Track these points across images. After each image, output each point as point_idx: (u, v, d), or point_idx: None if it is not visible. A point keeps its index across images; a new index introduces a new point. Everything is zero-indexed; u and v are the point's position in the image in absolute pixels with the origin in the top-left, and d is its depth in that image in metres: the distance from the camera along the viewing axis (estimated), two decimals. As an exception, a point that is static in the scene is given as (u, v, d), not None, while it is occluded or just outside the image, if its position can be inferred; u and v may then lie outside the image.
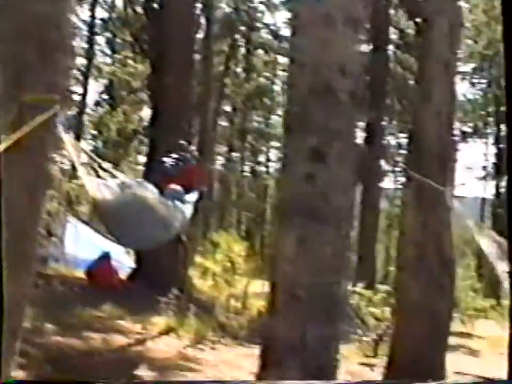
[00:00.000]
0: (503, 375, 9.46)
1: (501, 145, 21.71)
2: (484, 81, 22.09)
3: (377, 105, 15.78)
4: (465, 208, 21.91)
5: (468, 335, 12.59)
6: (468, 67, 21.90)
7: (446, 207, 7.44)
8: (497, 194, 21.84)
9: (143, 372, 6.72)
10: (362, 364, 8.67)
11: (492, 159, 22.29)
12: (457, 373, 9.13)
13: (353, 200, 4.16)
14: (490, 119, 22.27)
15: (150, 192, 5.60)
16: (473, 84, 22.40)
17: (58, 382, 4.84)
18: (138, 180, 5.93)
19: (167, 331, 8.31)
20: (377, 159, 15.69)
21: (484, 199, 22.58)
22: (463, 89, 23.11)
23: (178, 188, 6.65)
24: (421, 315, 7.88)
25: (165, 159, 7.69)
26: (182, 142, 8.41)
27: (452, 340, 11.81)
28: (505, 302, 14.14)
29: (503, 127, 21.88)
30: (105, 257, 9.57)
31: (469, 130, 22.64)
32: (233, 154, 27.26)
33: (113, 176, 5.41)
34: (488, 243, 7.01)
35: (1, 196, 4.28)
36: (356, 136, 4.33)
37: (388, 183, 19.42)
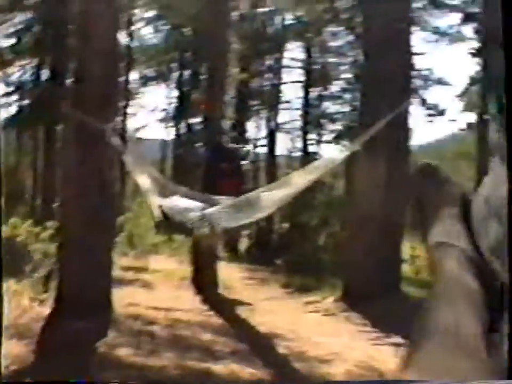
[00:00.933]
0: (177, 305, 10.12)
1: (184, 89, 22.48)
2: (167, 27, 22.60)
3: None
4: (148, 150, 22.50)
5: (144, 269, 13.10)
6: (150, 13, 22.30)
7: (107, 145, 7.64)
8: (178, 136, 22.70)
9: None
10: (32, 299, 8.72)
11: (174, 103, 22.96)
12: (131, 304, 9.55)
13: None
14: (174, 64, 22.94)
15: None
16: (157, 30, 22.85)
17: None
18: None
19: None
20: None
21: (165, 141, 23.31)
22: (148, 34, 23.44)
23: None
24: (83, 249, 8.13)
25: None
26: None
27: (129, 274, 12.35)
28: (177, 237, 14.98)
29: (185, 72, 22.68)
30: None
31: (152, 74, 23.13)
32: None
33: None
34: (146, 179, 7.29)
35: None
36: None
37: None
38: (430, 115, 21.04)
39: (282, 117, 22.67)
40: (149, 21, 22.43)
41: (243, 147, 15.94)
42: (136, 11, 21.84)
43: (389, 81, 11.03)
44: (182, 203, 6.89)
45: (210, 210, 6.64)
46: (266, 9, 22.54)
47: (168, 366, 7.04)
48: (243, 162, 10.89)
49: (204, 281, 11.30)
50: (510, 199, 1.25)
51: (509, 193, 1.24)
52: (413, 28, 14.63)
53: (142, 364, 7.01)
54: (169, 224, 7.17)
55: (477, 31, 18.93)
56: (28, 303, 8.61)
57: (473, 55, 19.34)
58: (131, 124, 22.44)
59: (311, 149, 22.10)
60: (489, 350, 1.24)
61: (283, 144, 22.57)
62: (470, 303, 1.36)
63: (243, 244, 19.12)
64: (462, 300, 1.37)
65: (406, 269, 13.17)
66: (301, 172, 7.14)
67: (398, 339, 8.31)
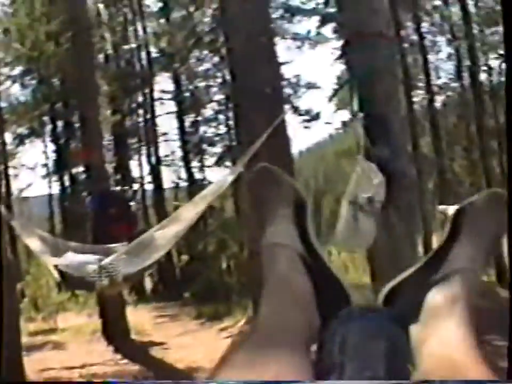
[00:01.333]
0: (91, 360, 9.93)
1: (60, 142, 22.14)
2: (34, 82, 22.24)
3: None
4: (35, 207, 21.96)
5: (52, 330, 12.82)
6: (17, 70, 22.00)
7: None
8: (62, 189, 22.28)
9: None
10: None
11: (52, 156, 22.56)
12: (43, 369, 9.33)
13: None
14: (45, 117, 22.56)
15: None
16: (24, 86, 22.44)
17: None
18: None
19: None
20: None
21: (50, 195, 22.80)
22: (15, 92, 22.95)
23: None
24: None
25: None
26: None
27: (38, 339, 12.06)
28: (81, 292, 14.73)
29: (58, 123, 22.33)
30: None
31: (26, 131, 22.66)
32: None
33: None
34: (36, 241, 7.17)
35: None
36: None
37: None
38: (305, 121, 21.53)
39: (162, 150, 22.59)
40: (15, 78, 22.02)
41: (129, 188, 15.89)
42: (3, 70, 21.49)
43: (259, 95, 11.20)
44: (77, 259, 6.79)
45: (106, 260, 6.58)
46: (130, 46, 22.60)
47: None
48: (131, 203, 10.87)
49: (114, 331, 11.15)
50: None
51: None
52: (276, 38, 14.97)
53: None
54: (69, 282, 7.05)
55: (335, 31, 19.53)
56: None
57: (336, 55, 19.94)
58: (14, 185, 21.94)
59: (196, 176, 22.15)
60: (318, 349, 1.25)
61: (168, 177, 22.48)
62: (298, 303, 1.35)
63: (148, 284, 18.95)
64: (290, 300, 1.35)
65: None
66: (189, 205, 7.14)
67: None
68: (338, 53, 19.48)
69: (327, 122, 23.95)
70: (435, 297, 1.36)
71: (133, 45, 22.69)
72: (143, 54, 22.74)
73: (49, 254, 7.00)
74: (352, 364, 1.18)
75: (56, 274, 6.83)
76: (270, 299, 1.38)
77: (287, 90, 20.88)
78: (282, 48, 21.88)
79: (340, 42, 18.37)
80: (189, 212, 6.82)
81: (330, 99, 21.74)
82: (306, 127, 21.92)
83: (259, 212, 1.60)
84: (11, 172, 21.79)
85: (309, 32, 21.78)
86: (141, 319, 12.81)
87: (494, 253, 1.50)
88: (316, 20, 21.11)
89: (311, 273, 1.43)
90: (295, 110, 21.51)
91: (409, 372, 1.20)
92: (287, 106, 19.54)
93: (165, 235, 6.70)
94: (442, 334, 1.27)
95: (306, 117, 21.67)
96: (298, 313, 1.32)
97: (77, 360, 9.94)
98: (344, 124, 21.94)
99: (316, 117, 21.67)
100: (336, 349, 1.22)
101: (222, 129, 22.55)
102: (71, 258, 6.84)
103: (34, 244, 7.12)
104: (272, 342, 1.22)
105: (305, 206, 1.59)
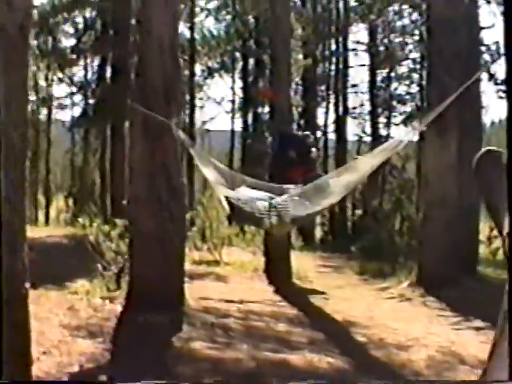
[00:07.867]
0: (250, 297, 9.97)
1: (248, 79, 22.29)
2: (228, 17, 22.46)
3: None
4: (216, 141, 22.44)
5: (216, 263, 13.03)
6: (212, 4, 22.39)
7: (173, 139, 7.57)
8: (245, 126, 22.48)
9: None
10: (103, 297, 8.65)
11: (239, 93, 22.79)
12: (203, 298, 9.47)
13: None
14: (237, 54, 22.77)
15: None
16: (218, 20, 22.72)
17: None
18: None
19: None
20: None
21: (233, 132, 23.09)
22: (209, 25, 23.35)
23: None
24: (154, 245, 8.09)
25: None
26: None
27: (201, 268, 12.26)
28: (249, 229, 14.87)
29: (249, 61, 22.48)
30: None
31: (216, 65, 22.97)
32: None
33: None
34: (212, 171, 7.18)
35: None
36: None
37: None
38: (500, 91, 20.39)
39: (350, 102, 22.22)
40: (210, 12, 22.38)
41: (311, 134, 15.73)
42: (199, 2, 21.91)
43: (455, 58, 10.68)
44: (249, 193, 6.74)
45: (278, 199, 6.46)
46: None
47: (244, 359, 6.85)
48: (311, 149, 10.70)
49: (276, 272, 11.15)
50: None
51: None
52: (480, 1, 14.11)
53: (217, 357, 6.88)
54: (237, 215, 6.99)
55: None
56: (100, 301, 8.54)
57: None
58: (199, 116, 22.45)
59: (381, 132, 21.72)
60: None
61: (352, 129, 22.22)
62: None
63: (318, 233, 18.93)
64: None
65: (483, 250, 12.82)
66: (368, 156, 6.97)
67: (478, 323, 8.07)
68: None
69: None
70: None
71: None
72: (341, 2, 22.32)
73: (224, 185, 6.98)
74: None
75: (226, 206, 6.77)
76: None
77: (485, 56, 19.80)
78: (485, 12, 20.79)
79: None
80: (365, 164, 6.59)
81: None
82: (501, 97, 20.76)
83: (490, 200, 1.55)
84: (197, 103, 22.28)
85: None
86: (304, 265, 12.73)
87: None
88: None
89: None
90: (491, 77, 20.38)
91: None
92: (483, 73, 18.51)
93: (339, 183, 6.49)
94: None
95: (502, 87, 20.54)
96: None
97: (236, 295, 9.97)
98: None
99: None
100: None
101: (414, 88, 21.85)
102: (244, 192, 6.78)
103: (210, 174, 7.09)
104: None
105: None
